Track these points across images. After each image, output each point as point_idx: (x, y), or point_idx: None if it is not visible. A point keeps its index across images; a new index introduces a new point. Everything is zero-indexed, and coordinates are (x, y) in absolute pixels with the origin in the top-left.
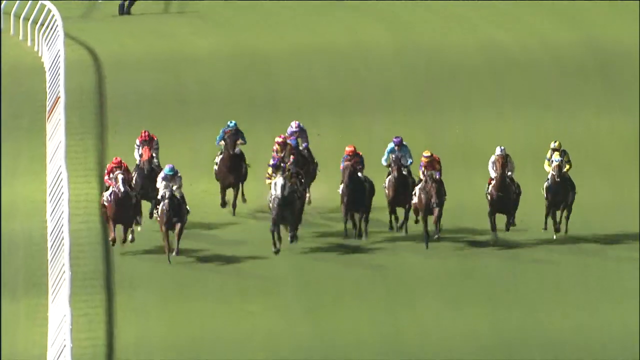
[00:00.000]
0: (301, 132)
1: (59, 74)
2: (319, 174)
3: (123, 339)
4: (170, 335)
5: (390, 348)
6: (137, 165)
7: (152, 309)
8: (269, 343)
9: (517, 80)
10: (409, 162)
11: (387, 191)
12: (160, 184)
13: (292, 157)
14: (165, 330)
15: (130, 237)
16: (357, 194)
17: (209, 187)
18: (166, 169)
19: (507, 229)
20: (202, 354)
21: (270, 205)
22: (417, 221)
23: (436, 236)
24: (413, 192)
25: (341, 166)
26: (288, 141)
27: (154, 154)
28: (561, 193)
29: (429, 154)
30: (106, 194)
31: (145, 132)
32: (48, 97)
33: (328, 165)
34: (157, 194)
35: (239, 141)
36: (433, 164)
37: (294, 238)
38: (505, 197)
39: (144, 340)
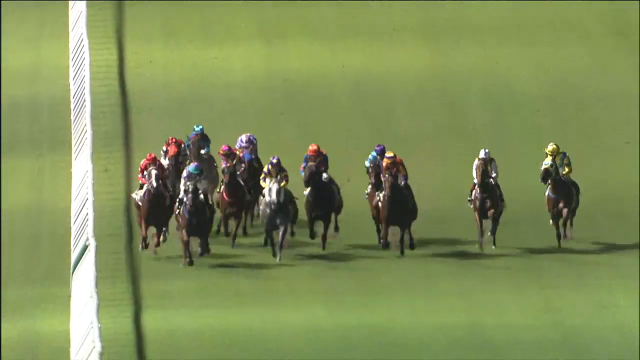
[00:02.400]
0: (251, 146)
1: None
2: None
3: None
4: None
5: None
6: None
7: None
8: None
9: None
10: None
11: (380, 208)
12: (183, 183)
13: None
14: None
15: (162, 237)
16: (321, 195)
17: None
18: (191, 167)
19: (493, 234)
20: None
21: (261, 210)
22: (381, 235)
23: (409, 247)
24: (377, 199)
25: (302, 166)
26: (241, 155)
27: (181, 152)
28: (561, 201)
29: (391, 155)
30: (140, 193)
31: (172, 138)
32: None
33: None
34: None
35: (203, 150)
36: (397, 166)
37: (280, 251)
38: (489, 202)
39: None
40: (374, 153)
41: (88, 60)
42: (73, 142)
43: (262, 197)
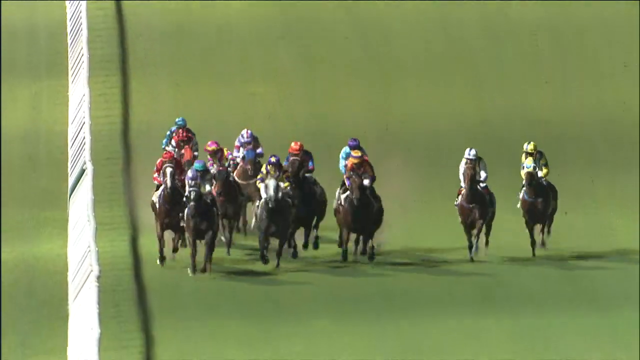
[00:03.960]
0: (254, 142)
1: None
2: None
3: (137, 116)
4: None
5: None
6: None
7: (164, 92)
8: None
9: None
10: None
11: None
12: (187, 182)
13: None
14: (176, 109)
15: (181, 241)
16: (304, 197)
17: None
18: (196, 165)
19: (485, 245)
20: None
21: (258, 212)
22: (342, 244)
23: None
24: (338, 202)
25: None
26: (245, 152)
27: (196, 154)
28: (539, 205)
29: (359, 155)
30: (156, 194)
31: (183, 130)
32: None
33: None
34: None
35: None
36: (363, 166)
37: (280, 255)
38: (477, 209)
39: (156, 118)
40: (347, 149)
41: None
42: (70, 66)
43: (257, 202)
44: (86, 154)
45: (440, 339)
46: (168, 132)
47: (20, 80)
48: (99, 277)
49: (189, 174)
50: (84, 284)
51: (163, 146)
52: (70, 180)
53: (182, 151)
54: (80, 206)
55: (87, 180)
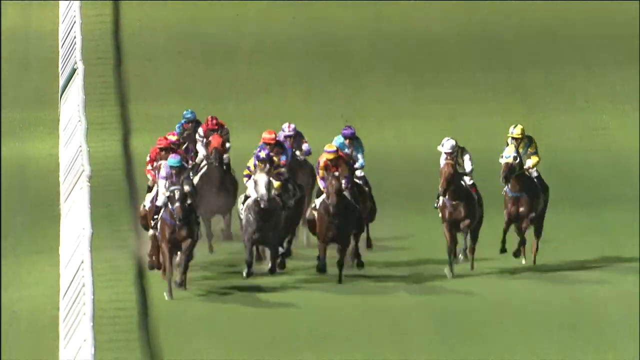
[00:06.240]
0: (298, 137)
1: None
2: None
3: (128, 16)
4: (171, 17)
5: None
6: (199, 160)
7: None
8: None
9: None
10: (359, 164)
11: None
12: (161, 182)
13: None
14: (166, 8)
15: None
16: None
17: None
18: (170, 160)
19: (471, 253)
20: None
21: (244, 216)
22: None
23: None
24: (312, 206)
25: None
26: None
27: (228, 145)
28: (522, 201)
29: (333, 149)
30: (148, 198)
31: (212, 118)
32: None
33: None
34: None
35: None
36: (339, 164)
37: (275, 267)
38: (463, 211)
39: (147, 18)
40: (340, 139)
41: None
42: None
43: (241, 205)
44: (77, 54)
45: None
46: (177, 125)
47: None
48: (90, 177)
49: (164, 171)
50: (76, 184)
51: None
52: (61, 80)
53: (210, 138)
54: (72, 106)
55: (78, 80)
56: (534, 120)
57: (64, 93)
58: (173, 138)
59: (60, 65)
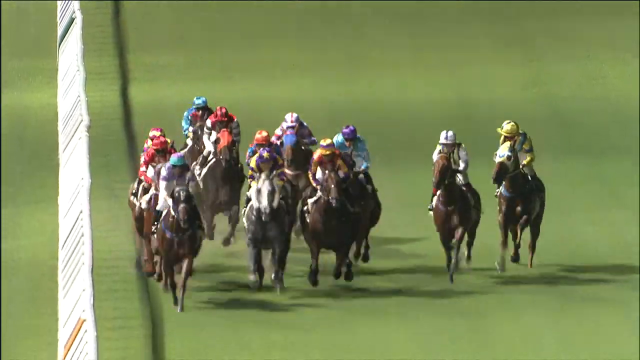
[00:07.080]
0: (301, 127)
1: None
2: None
3: None
4: None
5: None
6: (206, 154)
7: None
8: None
9: None
10: (363, 166)
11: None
12: (162, 184)
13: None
14: None
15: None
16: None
17: None
18: (173, 159)
19: (468, 258)
20: None
21: (246, 221)
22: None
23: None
24: (305, 209)
25: (247, 156)
26: (284, 137)
27: (235, 139)
28: (519, 202)
29: (329, 142)
30: (144, 199)
31: (221, 108)
32: None
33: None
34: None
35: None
36: (334, 161)
37: (279, 279)
38: (456, 218)
39: None
40: (340, 137)
41: None
42: None
43: (243, 208)
44: (75, 3)
45: None
46: (185, 113)
47: None
48: (89, 127)
49: (165, 170)
50: (74, 133)
51: (185, 131)
52: (60, 29)
53: (218, 135)
54: (70, 55)
55: (76, 29)
56: (534, 68)
57: (63, 42)
58: (157, 133)
59: (58, 15)
